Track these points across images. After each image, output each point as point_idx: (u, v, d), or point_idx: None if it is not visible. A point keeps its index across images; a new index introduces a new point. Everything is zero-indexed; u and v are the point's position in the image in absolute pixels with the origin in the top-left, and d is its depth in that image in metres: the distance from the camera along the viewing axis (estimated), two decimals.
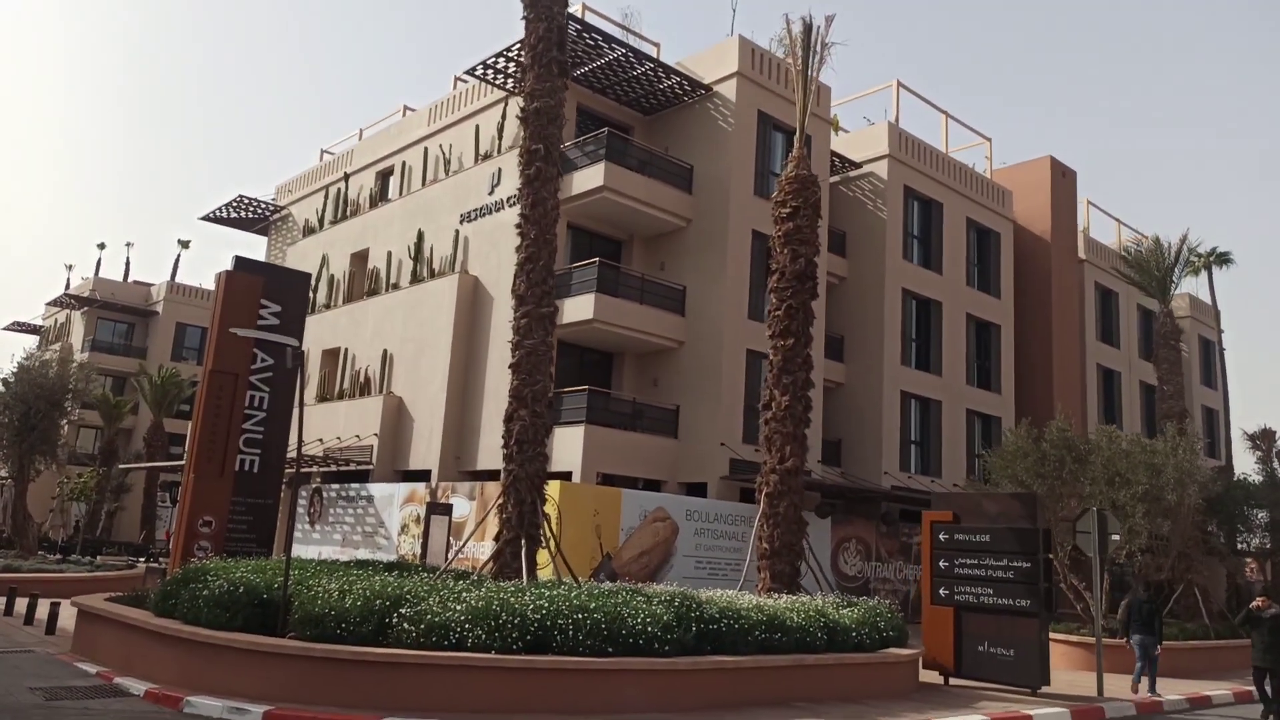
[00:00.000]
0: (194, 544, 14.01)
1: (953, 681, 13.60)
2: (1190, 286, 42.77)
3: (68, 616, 13.67)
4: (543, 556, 15.84)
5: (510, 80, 25.85)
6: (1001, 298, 32.70)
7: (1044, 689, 13.13)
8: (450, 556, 18.37)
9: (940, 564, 13.61)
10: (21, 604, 15.81)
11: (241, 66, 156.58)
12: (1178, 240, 25.69)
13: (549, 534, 12.84)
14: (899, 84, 30.39)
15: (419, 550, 22.85)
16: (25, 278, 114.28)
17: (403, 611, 9.46)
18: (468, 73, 25.65)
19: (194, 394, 48.16)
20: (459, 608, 9.35)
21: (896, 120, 29.90)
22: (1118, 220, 40.86)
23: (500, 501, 12.86)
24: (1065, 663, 17.00)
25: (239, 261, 15.53)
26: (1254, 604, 13.18)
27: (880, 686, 12.21)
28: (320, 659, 9.26)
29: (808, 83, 16.29)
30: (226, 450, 14.60)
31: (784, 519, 14.74)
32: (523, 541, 12.65)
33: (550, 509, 20.01)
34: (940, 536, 13.63)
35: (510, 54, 24.43)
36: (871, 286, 28.55)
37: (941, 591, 13.60)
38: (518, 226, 13.82)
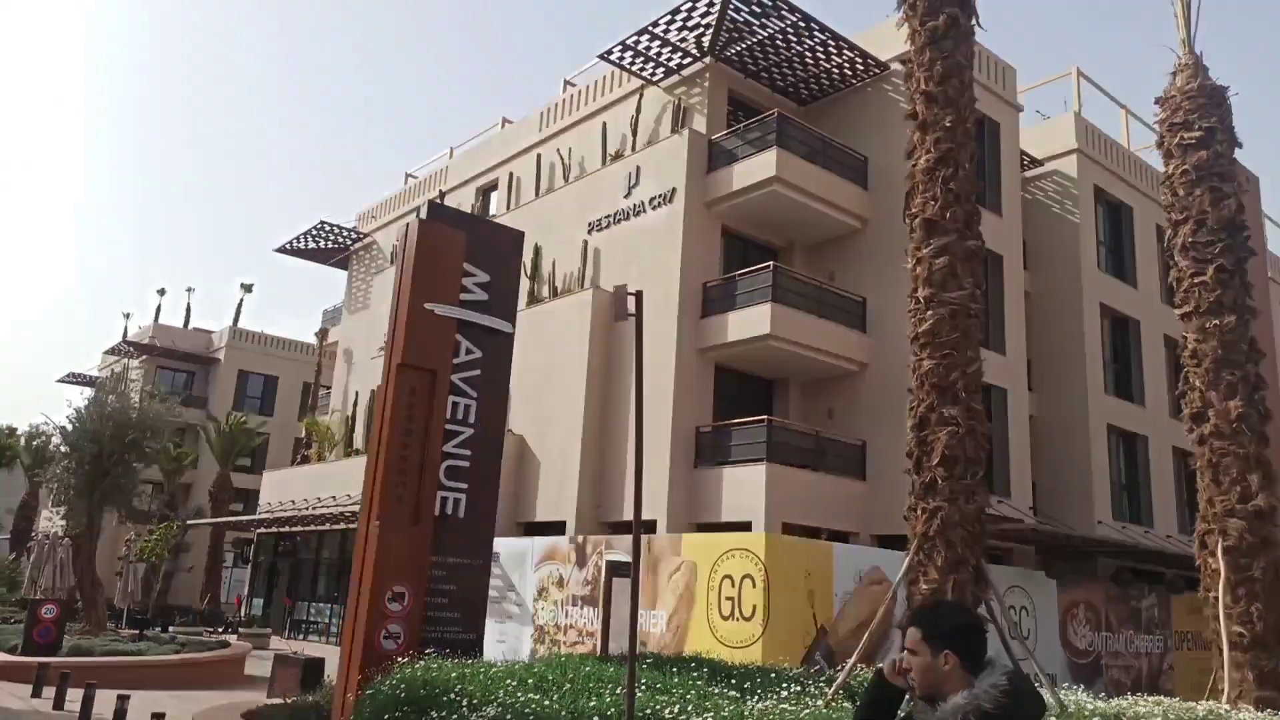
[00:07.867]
0: (379, 630, 8.59)
1: None
2: None
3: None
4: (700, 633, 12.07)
5: (651, 65, 22.25)
6: None
7: None
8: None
9: None
10: (77, 697, 11.30)
11: (309, 102, 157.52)
12: None
13: (998, 614, 8.30)
14: (1079, 72, 26.39)
15: (561, 620, 18.65)
16: (81, 331, 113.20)
17: None
18: (602, 56, 22.08)
19: (261, 445, 45.20)
20: None
21: (1079, 112, 25.87)
22: None
23: (913, 560, 8.46)
24: None
25: (434, 208, 10.85)
26: (889, 664, 3.31)
27: None
28: None
29: None
30: (421, 485, 9.10)
31: (1265, 588, 10.00)
32: None
33: (755, 568, 15.89)
34: None
35: (656, 30, 20.86)
36: (1065, 302, 24.22)
37: None
38: (911, 115, 9.47)
